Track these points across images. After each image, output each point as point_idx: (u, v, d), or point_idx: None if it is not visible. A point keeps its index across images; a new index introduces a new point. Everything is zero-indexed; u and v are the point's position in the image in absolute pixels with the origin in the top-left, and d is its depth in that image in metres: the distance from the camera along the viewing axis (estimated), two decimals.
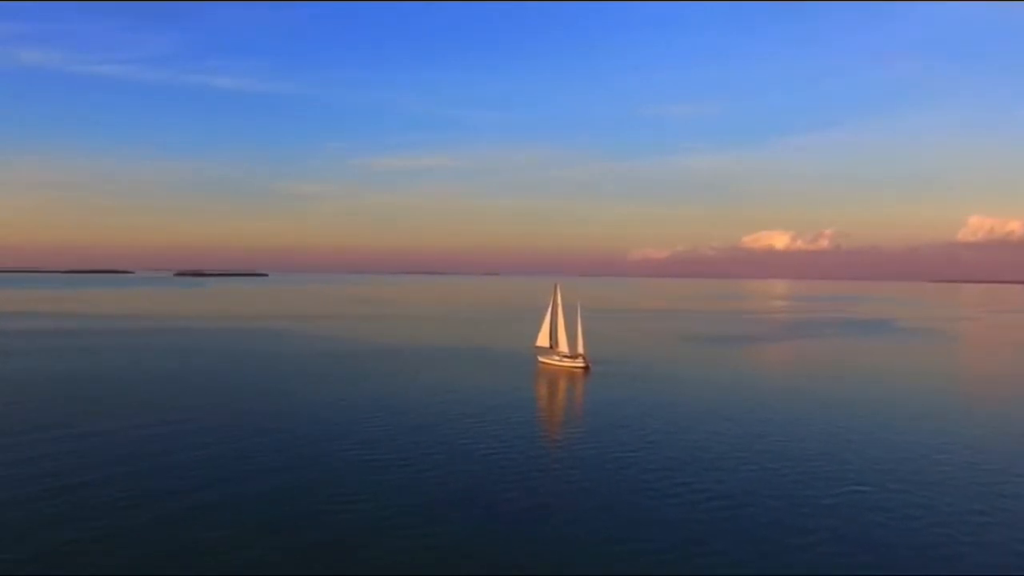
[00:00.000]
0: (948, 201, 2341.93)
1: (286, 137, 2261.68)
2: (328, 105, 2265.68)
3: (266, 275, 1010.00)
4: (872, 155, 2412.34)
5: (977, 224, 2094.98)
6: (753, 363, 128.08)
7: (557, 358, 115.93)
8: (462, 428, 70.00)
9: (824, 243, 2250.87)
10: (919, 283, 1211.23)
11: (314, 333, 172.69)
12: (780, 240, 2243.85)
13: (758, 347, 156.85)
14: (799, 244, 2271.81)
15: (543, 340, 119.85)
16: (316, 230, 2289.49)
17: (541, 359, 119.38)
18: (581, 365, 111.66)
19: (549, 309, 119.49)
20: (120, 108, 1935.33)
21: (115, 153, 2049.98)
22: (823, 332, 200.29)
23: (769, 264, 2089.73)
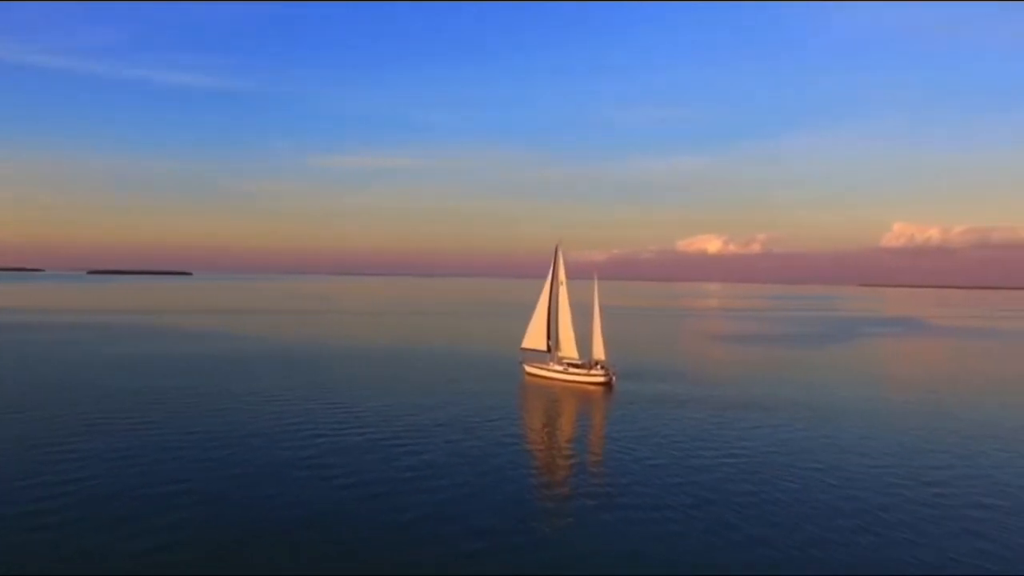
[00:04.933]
0: (875, 208, 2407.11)
1: (240, 134, 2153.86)
2: (286, 102, 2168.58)
3: (190, 274, 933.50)
4: (808, 163, 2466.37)
5: (900, 230, 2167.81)
6: (817, 369, 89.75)
7: (560, 368, 74.90)
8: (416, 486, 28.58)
9: (756, 247, 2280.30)
10: (850, 287, 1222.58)
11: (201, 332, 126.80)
12: (713, 244, 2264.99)
13: (803, 349, 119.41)
14: (731, 248, 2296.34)
15: (535, 340, 78.52)
16: (261, 229, 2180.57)
17: (530, 369, 78.12)
18: (600, 379, 70.90)
19: (546, 289, 78.01)
20: (60, 100, 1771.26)
21: (57, 148, 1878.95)
22: (854, 332, 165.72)
23: (702, 267, 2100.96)
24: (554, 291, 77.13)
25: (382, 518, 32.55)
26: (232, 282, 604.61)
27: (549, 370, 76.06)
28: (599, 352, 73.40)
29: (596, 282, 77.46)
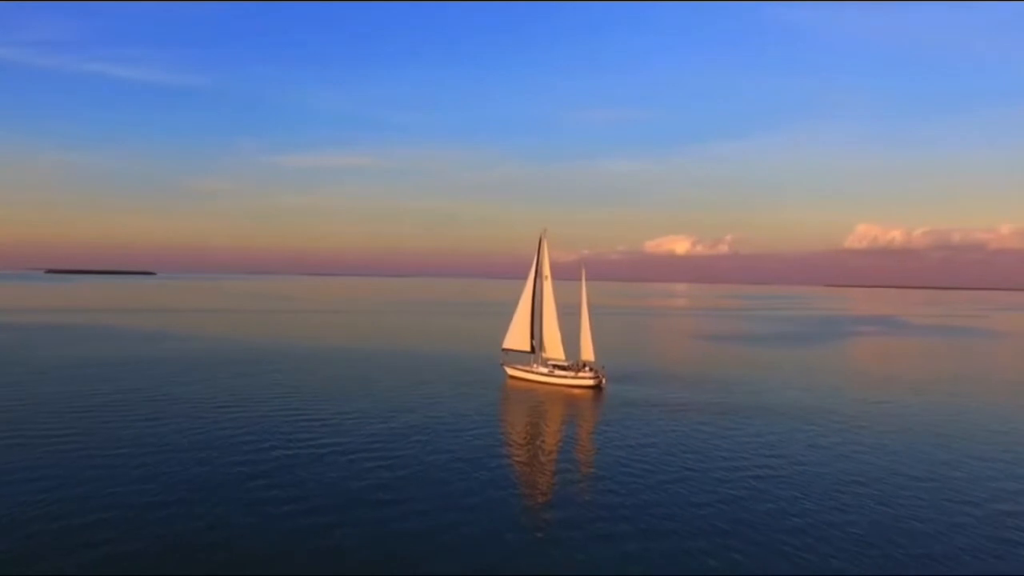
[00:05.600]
0: (839, 210, 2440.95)
1: (195, 132, 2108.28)
2: (242, 100, 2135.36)
3: (153, 274, 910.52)
4: (773, 164, 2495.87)
5: (863, 232, 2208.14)
6: (813, 370, 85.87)
7: (545, 370, 69.77)
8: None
9: (724, 248, 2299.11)
10: (817, 287, 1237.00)
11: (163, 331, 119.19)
12: (681, 245, 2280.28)
13: (794, 349, 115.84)
14: (699, 249, 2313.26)
15: (518, 340, 73.21)
16: (223, 228, 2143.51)
17: (513, 371, 72.80)
18: (589, 382, 65.90)
19: (529, 284, 72.71)
20: (10, 94, 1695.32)
21: (13, 144, 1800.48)
22: (838, 331, 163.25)
23: (671, 268, 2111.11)
24: (538, 287, 71.88)
25: (335, 556, 26.88)
26: (197, 282, 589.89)
27: (533, 372, 70.85)
28: (587, 353, 68.39)
29: (584, 280, 72.52)
